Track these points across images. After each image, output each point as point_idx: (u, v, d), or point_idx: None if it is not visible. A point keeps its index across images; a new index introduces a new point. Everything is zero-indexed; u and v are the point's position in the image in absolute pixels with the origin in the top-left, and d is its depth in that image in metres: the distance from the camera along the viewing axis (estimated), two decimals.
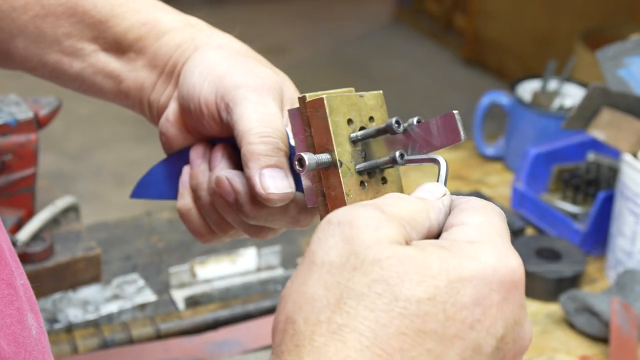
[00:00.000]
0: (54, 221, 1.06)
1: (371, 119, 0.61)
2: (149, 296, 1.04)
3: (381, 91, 0.63)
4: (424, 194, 0.53)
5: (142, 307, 1.03)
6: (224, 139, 0.70)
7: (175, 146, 0.73)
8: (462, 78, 3.70)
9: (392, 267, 0.46)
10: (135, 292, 1.04)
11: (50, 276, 1.02)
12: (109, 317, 1.01)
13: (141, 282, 1.06)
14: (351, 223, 0.48)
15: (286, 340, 0.47)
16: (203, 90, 0.68)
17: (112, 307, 1.02)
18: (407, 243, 0.49)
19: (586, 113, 1.13)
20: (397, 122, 0.58)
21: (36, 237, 1.02)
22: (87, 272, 1.04)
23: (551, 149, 1.28)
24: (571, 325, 1.09)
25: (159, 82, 0.73)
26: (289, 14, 4.21)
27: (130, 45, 0.73)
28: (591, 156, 1.27)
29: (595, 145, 1.28)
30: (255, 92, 0.66)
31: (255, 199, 0.65)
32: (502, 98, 1.36)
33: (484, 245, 0.48)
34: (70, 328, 0.99)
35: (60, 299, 1.02)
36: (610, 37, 2.87)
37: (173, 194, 0.74)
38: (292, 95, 0.70)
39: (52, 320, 0.99)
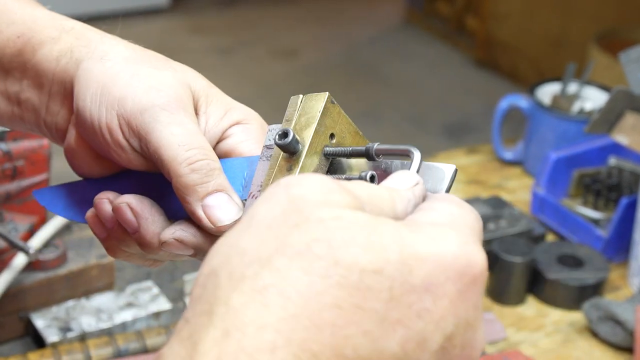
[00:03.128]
0: (67, 228, 1.05)
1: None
2: (163, 304, 1.02)
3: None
4: (392, 184, 0.47)
5: (157, 315, 1.01)
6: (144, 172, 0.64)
7: (89, 173, 0.65)
8: (474, 80, 3.67)
9: (337, 229, 0.40)
10: (150, 300, 1.02)
11: (63, 284, 1.00)
12: (123, 326, 0.99)
13: (155, 290, 1.04)
14: (300, 184, 0.42)
15: (203, 298, 0.40)
16: (102, 118, 0.60)
17: (126, 316, 1.00)
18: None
19: (610, 117, 1.11)
20: (376, 151, 0.54)
21: (49, 244, 1.00)
22: (101, 279, 1.02)
23: (572, 154, 1.26)
24: (594, 334, 1.06)
25: (50, 103, 0.65)
26: (300, 17, 4.19)
27: (10, 62, 0.64)
28: (613, 161, 1.24)
29: (617, 149, 1.25)
30: (165, 111, 0.59)
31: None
32: (521, 101, 1.34)
33: (448, 229, 0.43)
34: (83, 337, 0.97)
35: (73, 307, 1.00)
36: (624, 40, 2.85)
37: (80, 217, 0.66)
38: (202, 86, 0.63)
39: (65, 329, 0.97)
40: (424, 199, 0.47)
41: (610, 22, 3.08)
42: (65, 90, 0.64)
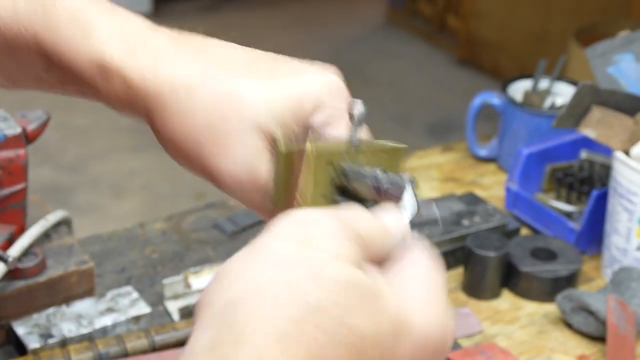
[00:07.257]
0: (46, 236, 1.06)
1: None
2: (143, 308, 1.03)
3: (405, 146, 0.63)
4: (387, 221, 0.53)
5: (137, 319, 1.02)
6: None
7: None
8: (457, 79, 3.70)
9: (348, 297, 0.47)
10: (130, 304, 1.04)
11: (43, 291, 1.01)
12: (104, 331, 1.01)
13: (135, 295, 1.05)
14: (315, 225, 0.49)
15: (226, 326, 0.46)
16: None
17: (106, 321, 1.01)
18: (360, 267, 0.49)
19: (576, 111, 1.13)
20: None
21: (28, 252, 1.01)
22: (80, 285, 1.04)
23: (544, 148, 1.28)
24: (568, 325, 1.08)
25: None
26: (284, 20, 4.21)
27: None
28: (584, 154, 1.26)
29: (588, 143, 1.27)
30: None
31: None
32: (494, 98, 1.36)
33: (433, 306, 0.50)
34: (64, 342, 0.98)
35: (54, 314, 1.01)
36: (604, 35, 2.86)
37: None
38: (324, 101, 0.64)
39: (46, 335, 0.98)
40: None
41: (591, 18, 3.11)
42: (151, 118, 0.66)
